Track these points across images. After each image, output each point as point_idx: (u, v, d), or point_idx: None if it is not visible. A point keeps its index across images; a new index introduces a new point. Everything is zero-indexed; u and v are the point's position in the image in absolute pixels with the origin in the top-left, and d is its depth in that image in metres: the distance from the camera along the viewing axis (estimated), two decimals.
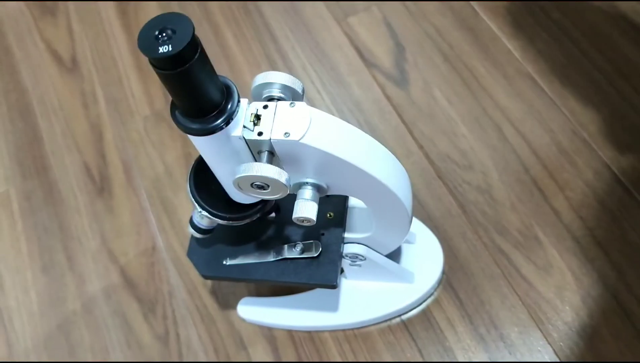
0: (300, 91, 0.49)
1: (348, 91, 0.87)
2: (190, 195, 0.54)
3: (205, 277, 0.61)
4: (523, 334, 0.66)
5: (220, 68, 0.92)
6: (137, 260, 0.79)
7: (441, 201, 0.76)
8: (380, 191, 0.50)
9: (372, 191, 0.50)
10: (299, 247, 0.59)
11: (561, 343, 0.65)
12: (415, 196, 0.76)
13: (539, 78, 0.83)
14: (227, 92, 0.44)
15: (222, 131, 0.43)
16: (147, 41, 0.37)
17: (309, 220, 0.48)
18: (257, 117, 0.45)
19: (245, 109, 0.45)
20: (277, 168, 0.44)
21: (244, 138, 0.45)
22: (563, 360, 0.64)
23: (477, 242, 0.72)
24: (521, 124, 0.80)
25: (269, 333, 0.71)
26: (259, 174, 0.43)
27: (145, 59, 0.94)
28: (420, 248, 0.70)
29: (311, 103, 0.87)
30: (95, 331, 0.75)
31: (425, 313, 0.69)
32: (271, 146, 0.45)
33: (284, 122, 0.45)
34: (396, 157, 0.51)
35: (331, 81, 0.88)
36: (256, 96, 0.50)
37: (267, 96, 0.49)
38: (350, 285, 0.69)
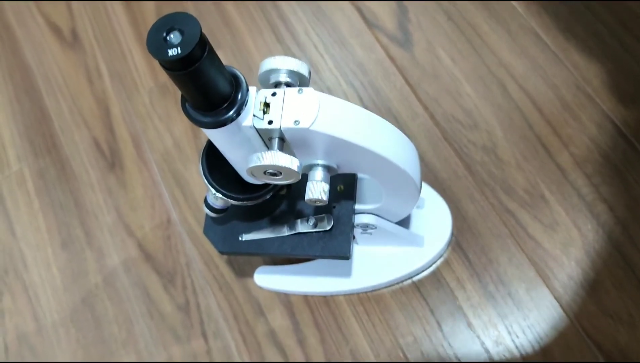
0: (307, 74, 0.50)
1: (351, 53, 0.87)
2: (204, 178, 0.55)
3: (222, 253, 0.63)
4: (530, 290, 0.69)
5: (222, 37, 0.92)
6: (153, 233, 0.81)
7: (447, 162, 0.77)
8: (390, 169, 0.51)
9: (382, 169, 0.52)
10: (311, 221, 0.60)
11: (567, 298, 0.68)
12: (422, 159, 0.77)
13: (542, 33, 0.82)
14: (235, 83, 0.45)
15: (234, 122, 0.44)
16: (155, 43, 0.38)
17: (321, 201, 0.50)
18: (267, 105, 0.46)
19: (254, 97, 0.46)
20: (288, 156, 0.45)
21: (254, 127, 0.46)
22: (570, 315, 0.67)
23: (484, 203, 0.74)
24: (525, 80, 0.80)
25: (285, 298, 0.74)
26: (271, 163, 0.45)
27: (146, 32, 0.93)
28: (429, 212, 0.72)
29: (314, 67, 0.87)
30: (118, 303, 0.78)
31: (435, 274, 0.71)
32: (281, 133, 0.46)
33: (293, 110, 0.46)
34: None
35: (333, 43, 0.88)
36: (263, 82, 0.50)
37: (274, 82, 0.49)
38: (362, 251, 0.71)
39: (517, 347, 0.67)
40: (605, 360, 0.65)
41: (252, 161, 0.45)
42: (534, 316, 0.68)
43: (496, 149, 0.76)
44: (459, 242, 0.73)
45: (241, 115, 0.44)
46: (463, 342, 0.68)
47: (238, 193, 0.56)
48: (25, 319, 0.80)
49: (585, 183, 0.73)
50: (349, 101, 0.80)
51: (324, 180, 0.51)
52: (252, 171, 0.47)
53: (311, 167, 0.51)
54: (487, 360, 0.67)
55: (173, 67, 0.38)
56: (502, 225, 0.72)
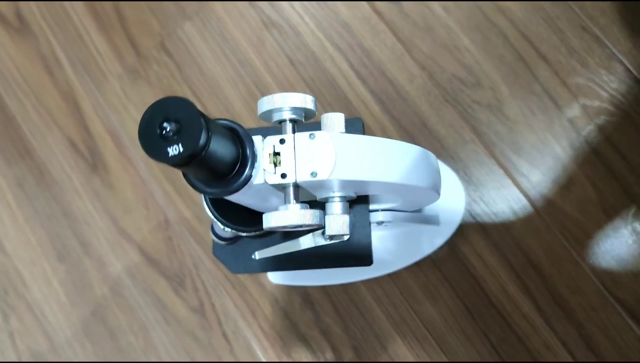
0: (312, 107, 0.44)
1: (334, 12, 0.79)
2: (209, 212, 0.51)
3: (237, 273, 0.60)
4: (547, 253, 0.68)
5: (187, 5, 0.83)
6: (152, 235, 0.77)
7: (453, 127, 0.72)
8: (412, 190, 0.47)
9: (404, 191, 0.48)
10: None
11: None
12: (425, 126, 0.73)
13: None
14: (239, 141, 0.40)
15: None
16: (151, 141, 0.32)
17: (342, 235, 0.46)
18: (277, 154, 0.41)
19: (261, 149, 0.41)
20: (309, 211, 0.41)
21: (266, 182, 0.41)
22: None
23: (494, 167, 0.71)
24: (526, 26, 0.74)
25: (302, 290, 0.72)
26: (292, 223, 0.41)
27: (104, 7, 0.84)
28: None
29: (294, 30, 0.79)
30: (130, 312, 0.76)
31: (452, 248, 0.70)
32: (296, 183, 0.42)
33: (307, 159, 0.41)
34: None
35: (314, 3, 0.80)
36: (265, 119, 0.45)
37: (278, 120, 0.44)
38: (378, 236, 0.69)
39: (546, 321, 0.67)
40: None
41: (270, 221, 0.41)
42: (555, 280, 0.67)
43: (502, 106, 0.72)
44: (472, 213, 0.70)
45: (252, 176, 0.40)
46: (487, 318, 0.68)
47: (249, 224, 0.52)
48: (37, 338, 0.77)
49: (599, 139, 0.70)
50: (339, 69, 0.75)
51: (343, 212, 0.47)
52: (270, 228, 0.43)
53: (327, 199, 0.47)
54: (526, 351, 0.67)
55: (176, 164, 0.33)
56: (515, 189, 0.70)
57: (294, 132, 0.44)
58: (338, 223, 0.46)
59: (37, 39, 0.85)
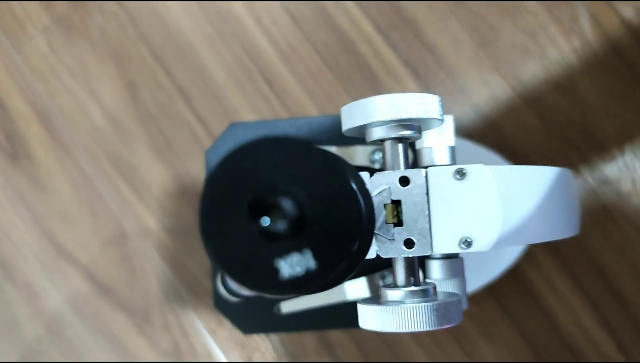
0: (438, 115, 0.26)
1: None
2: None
3: (250, 334, 0.42)
4: None
5: None
6: (104, 254, 0.57)
7: (515, 113, 0.56)
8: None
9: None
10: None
11: None
12: (480, 114, 0.56)
13: None
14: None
15: None
16: (236, 245, 0.14)
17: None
18: (396, 210, 0.23)
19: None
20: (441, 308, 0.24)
21: (379, 256, 0.23)
22: None
23: (564, 162, 0.55)
24: None
25: (321, 333, 0.55)
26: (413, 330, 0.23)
27: None
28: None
29: None
30: (76, 358, 0.56)
31: (514, 273, 0.54)
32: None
33: (455, 216, 0.23)
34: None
35: None
36: (353, 134, 0.26)
37: (380, 138, 0.25)
38: None
39: None
40: None
41: (370, 322, 0.23)
42: None
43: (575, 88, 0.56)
44: None
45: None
46: None
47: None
48: None
49: None
50: (360, 30, 0.55)
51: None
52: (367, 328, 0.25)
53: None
54: None
55: (292, 292, 0.15)
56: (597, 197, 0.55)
57: (407, 157, 0.26)
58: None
59: None
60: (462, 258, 0.33)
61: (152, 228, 0.57)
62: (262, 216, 0.16)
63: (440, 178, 0.24)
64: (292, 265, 0.15)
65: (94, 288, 0.56)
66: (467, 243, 0.23)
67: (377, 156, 0.39)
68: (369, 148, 0.39)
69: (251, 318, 0.42)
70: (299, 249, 0.15)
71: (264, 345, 0.55)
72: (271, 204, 0.15)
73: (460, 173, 0.24)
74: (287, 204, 0.15)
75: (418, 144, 0.32)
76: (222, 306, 0.42)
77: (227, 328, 0.55)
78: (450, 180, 0.24)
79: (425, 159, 0.32)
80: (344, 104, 0.27)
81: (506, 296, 0.54)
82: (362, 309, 0.26)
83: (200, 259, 0.55)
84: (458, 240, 0.24)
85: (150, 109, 0.58)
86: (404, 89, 0.56)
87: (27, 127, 0.58)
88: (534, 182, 0.27)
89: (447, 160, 0.31)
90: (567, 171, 0.31)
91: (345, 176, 0.15)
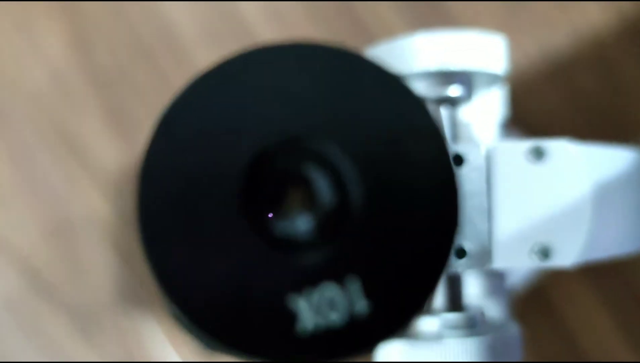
0: (501, 70, 0.17)
1: None
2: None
3: None
4: None
5: None
6: (44, 245, 0.49)
7: (542, 94, 0.48)
8: None
9: None
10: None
11: None
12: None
13: None
14: None
15: None
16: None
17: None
18: None
19: None
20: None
21: None
22: None
23: None
24: None
25: None
26: None
27: None
28: None
29: None
30: None
31: (537, 292, 0.47)
32: None
33: (522, 213, 0.15)
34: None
35: None
36: None
37: (435, 97, 0.17)
38: None
39: None
40: None
41: None
42: None
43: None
44: None
45: None
46: None
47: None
48: None
49: None
50: None
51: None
52: None
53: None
54: None
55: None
56: None
57: (454, 128, 0.18)
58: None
59: None
60: None
61: (105, 215, 0.49)
62: (267, 209, 0.09)
63: (509, 157, 0.16)
64: (320, 308, 0.09)
65: (31, 284, 0.49)
66: (544, 253, 0.16)
67: None
68: None
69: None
70: (335, 276, 0.07)
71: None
72: (285, 180, 0.09)
73: (537, 152, 0.16)
74: (316, 179, 0.08)
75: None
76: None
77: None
78: (522, 162, 0.16)
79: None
80: None
81: (528, 316, 0.47)
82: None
83: None
84: (529, 248, 0.16)
85: (108, 71, 0.49)
86: None
87: None
88: (633, 171, 0.19)
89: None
90: None
91: (434, 124, 0.07)
